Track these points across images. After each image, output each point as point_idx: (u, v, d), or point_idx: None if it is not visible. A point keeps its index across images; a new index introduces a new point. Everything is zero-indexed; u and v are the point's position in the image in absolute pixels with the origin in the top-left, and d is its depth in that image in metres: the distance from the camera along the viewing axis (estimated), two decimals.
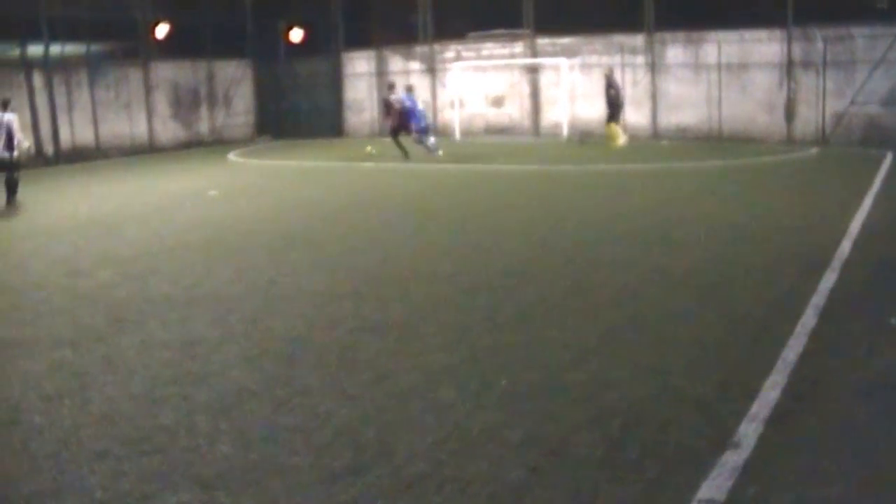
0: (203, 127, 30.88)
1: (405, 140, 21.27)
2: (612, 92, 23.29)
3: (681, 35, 24.61)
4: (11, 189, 15.63)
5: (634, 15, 24.81)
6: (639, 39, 25.20)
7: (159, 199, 16.68)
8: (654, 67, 25.09)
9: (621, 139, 23.19)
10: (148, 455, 5.06)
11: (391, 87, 23.12)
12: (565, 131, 25.71)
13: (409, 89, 22.44)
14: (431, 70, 29.47)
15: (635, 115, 25.51)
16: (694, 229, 11.52)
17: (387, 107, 22.72)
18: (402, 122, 21.43)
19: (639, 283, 8.80)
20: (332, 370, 6.44)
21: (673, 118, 24.95)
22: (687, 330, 7.16)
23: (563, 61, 25.90)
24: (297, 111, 31.96)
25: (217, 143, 30.09)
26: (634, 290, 8.51)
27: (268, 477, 4.73)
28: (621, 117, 23.71)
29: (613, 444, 5.00)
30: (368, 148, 22.73)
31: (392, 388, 6.01)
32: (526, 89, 27.66)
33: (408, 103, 21.44)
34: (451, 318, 7.74)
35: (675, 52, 24.83)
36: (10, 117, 15.44)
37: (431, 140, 21.52)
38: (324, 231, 12.60)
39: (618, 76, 24.73)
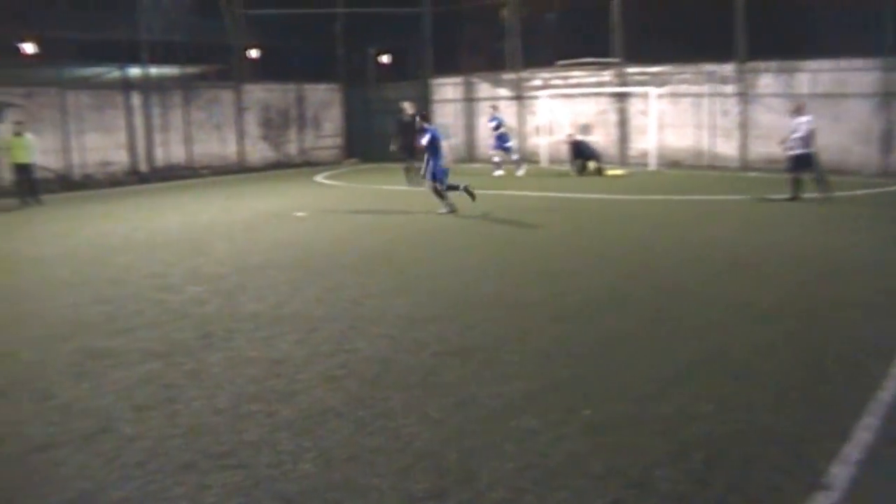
0: (292, 148, 31.51)
1: None
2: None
3: (773, 64, 24.21)
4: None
5: (726, 44, 24.50)
6: (729, 69, 24.86)
7: (247, 218, 17.03)
8: (744, 97, 24.71)
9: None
10: (232, 469, 5.16)
11: None
12: (652, 160, 25.48)
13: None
14: (519, 97, 29.54)
15: (724, 145, 25.15)
16: (780, 261, 11.26)
17: None
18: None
19: (724, 315, 8.62)
20: (415, 393, 6.48)
21: (763, 149, 24.49)
22: (774, 365, 6.98)
23: (651, 90, 25.70)
24: (384, 135, 32.26)
25: (305, 165, 30.66)
26: (720, 323, 8.34)
27: (349, 497, 4.77)
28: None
29: (697, 479, 4.90)
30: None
31: (475, 413, 6.01)
32: (613, 118, 27.49)
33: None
34: (535, 345, 7.70)
35: (766, 81, 24.42)
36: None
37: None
38: (406, 254, 12.67)
39: (705, 105, 24.64)
